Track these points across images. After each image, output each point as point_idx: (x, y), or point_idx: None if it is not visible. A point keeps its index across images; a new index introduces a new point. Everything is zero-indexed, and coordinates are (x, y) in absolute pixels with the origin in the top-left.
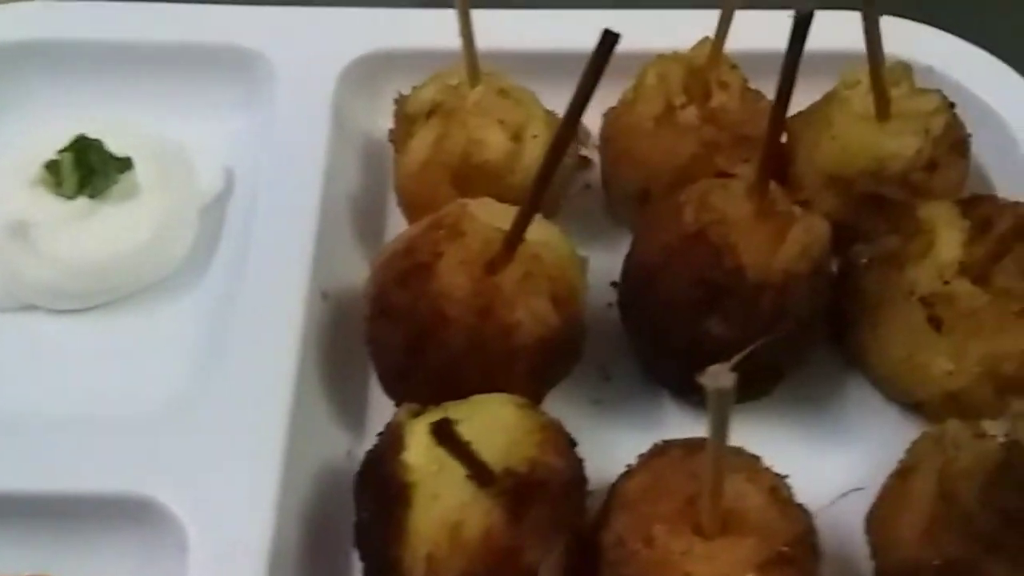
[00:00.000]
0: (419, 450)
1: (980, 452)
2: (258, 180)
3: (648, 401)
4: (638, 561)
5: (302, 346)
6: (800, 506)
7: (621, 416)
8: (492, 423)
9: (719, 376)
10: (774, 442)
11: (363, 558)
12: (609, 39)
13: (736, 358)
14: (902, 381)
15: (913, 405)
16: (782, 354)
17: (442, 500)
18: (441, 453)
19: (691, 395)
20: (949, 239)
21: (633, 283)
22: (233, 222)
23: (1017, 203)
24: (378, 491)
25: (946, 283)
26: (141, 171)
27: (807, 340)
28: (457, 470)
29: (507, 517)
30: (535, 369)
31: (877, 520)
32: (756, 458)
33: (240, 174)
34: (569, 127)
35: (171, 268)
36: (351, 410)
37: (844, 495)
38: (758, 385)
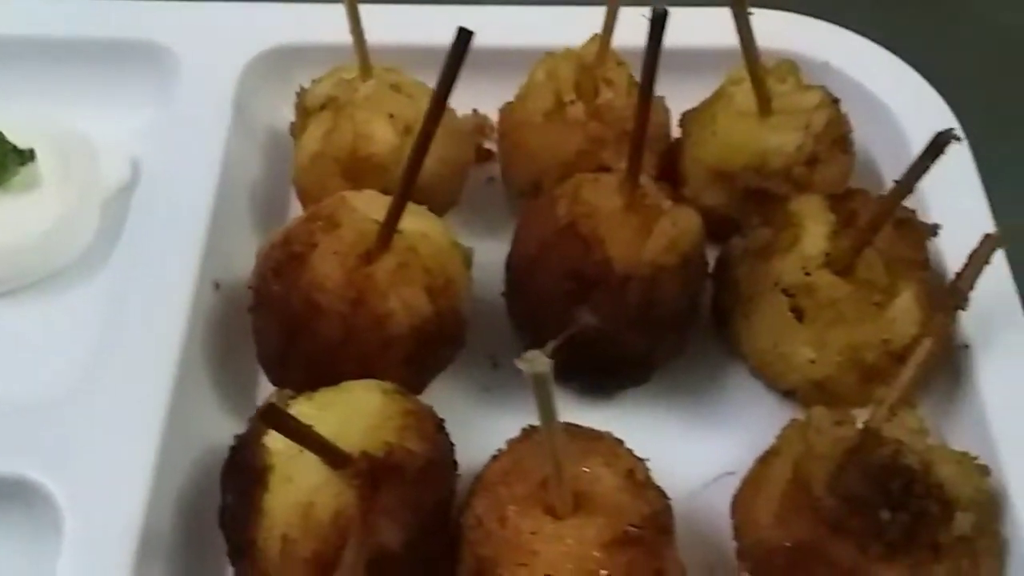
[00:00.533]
0: (280, 435)
1: (836, 438)
2: (160, 172)
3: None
4: (492, 541)
5: (187, 334)
6: (657, 488)
7: (508, 403)
8: (355, 408)
9: (535, 361)
10: (654, 428)
11: (227, 541)
12: (464, 36)
13: (550, 345)
14: (771, 370)
15: (787, 393)
16: (654, 345)
17: (296, 482)
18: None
19: (571, 382)
20: (815, 232)
21: (513, 274)
22: (136, 214)
23: (882, 196)
24: (240, 474)
25: (807, 274)
26: (43, 162)
27: (682, 330)
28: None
29: (358, 497)
30: (410, 357)
31: (739, 503)
32: (618, 442)
33: (146, 167)
34: (431, 122)
35: (72, 258)
36: (240, 397)
37: (716, 479)
38: (631, 373)
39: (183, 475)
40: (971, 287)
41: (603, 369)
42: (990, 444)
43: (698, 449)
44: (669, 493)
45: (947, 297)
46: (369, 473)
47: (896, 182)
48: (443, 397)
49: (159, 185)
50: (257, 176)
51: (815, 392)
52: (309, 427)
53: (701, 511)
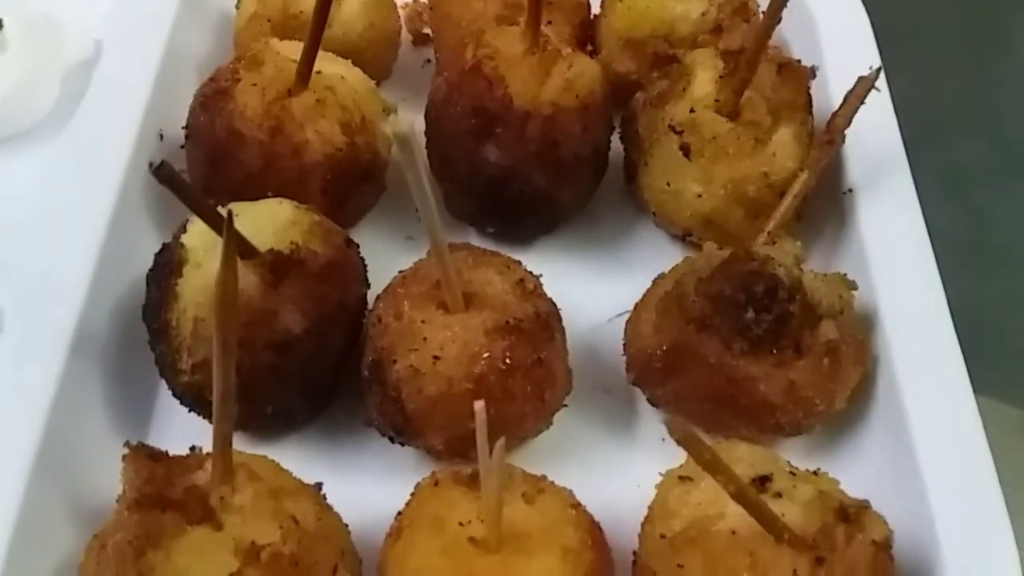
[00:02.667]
0: (195, 232)
1: (712, 257)
2: (117, 50)
3: (453, 236)
4: (389, 333)
5: (128, 173)
6: (546, 298)
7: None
8: (267, 214)
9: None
10: (564, 273)
11: (148, 329)
12: None
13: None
14: (667, 209)
15: (686, 236)
16: (557, 184)
17: (205, 267)
18: (214, 239)
19: (486, 227)
20: (703, 78)
21: (427, 119)
22: (95, 87)
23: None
24: (159, 269)
25: (692, 112)
26: (10, 32)
27: (586, 175)
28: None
29: (262, 284)
30: (327, 187)
31: (629, 323)
32: (516, 261)
33: (106, 47)
34: None
35: (32, 121)
36: (174, 224)
37: (619, 315)
38: (540, 215)
39: (118, 287)
40: (847, 124)
41: (513, 210)
42: (868, 277)
43: (604, 292)
44: (574, 330)
45: (825, 134)
46: (273, 264)
47: (765, 14)
48: (367, 240)
49: (116, 62)
50: (205, 52)
51: (707, 230)
52: (192, 188)
53: (601, 343)
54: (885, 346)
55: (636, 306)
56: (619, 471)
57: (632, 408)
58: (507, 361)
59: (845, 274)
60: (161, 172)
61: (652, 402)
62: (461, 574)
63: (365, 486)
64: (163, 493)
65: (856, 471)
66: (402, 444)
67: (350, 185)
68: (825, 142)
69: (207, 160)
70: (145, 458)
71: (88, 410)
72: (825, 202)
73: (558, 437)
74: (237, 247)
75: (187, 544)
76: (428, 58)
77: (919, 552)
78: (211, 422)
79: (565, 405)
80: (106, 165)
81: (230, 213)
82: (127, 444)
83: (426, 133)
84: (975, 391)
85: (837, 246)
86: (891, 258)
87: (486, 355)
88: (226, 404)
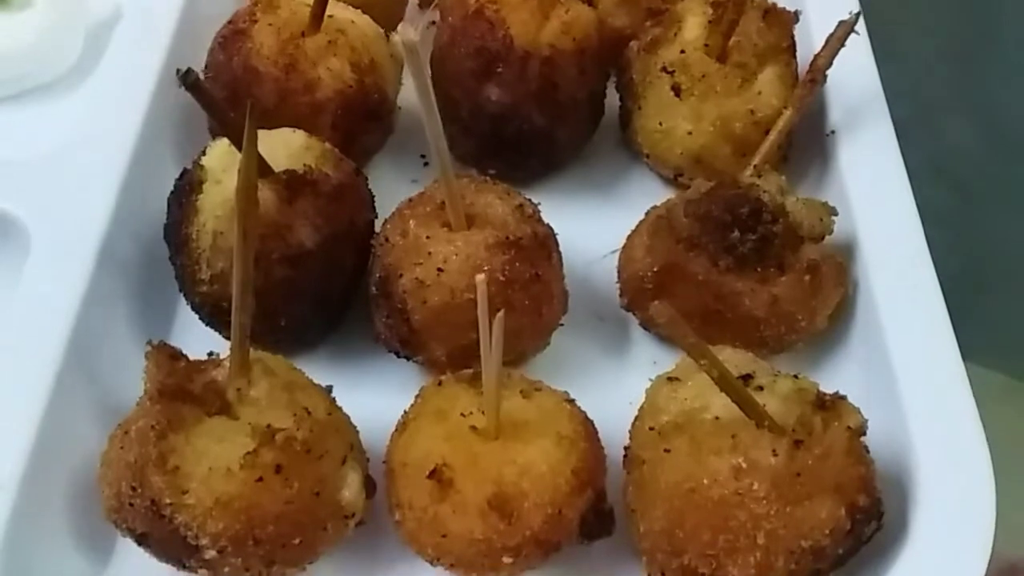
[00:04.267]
0: (213, 155)
1: (702, 187)
2: (139, 9)
3: None
4: (396, 250)
5: (153, 109)
6: (544, 223)
7: None
8: (281, 141)
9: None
10: (563, 213)
11: (168, 245)
12: None
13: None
14: (659, 149)
15: (677, 176)
16: (555, 124)
17: (224, 183)
18: (234, 158)
19: (486, 167)
20: (692, 23)
21: (433, 64)
22: (117, 44)
23: None
24: (180, 190)
25: (683, 53)
26: None
27: (582, 117)
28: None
29: (278, 200)
30: (337, 123)
31: (623, 250)
32: (516, 192)
33: (127, 8)
34: None
35: (56, 74)
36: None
37: (612, 252)
38: (539, 154)
39: (140, 213)
40: (828, 65)
41: (513, 149)
42: (849, 210)
43: (599, 231)
44: (570, 266)
45: (807, 74)
46: (288, 182)
47: None
48: (374, 180)
49: (138, 17)
50: (219, 12)
51: (697, 168)
52: (214, 96)
53: (596, 277)
54: (864, 272)
55: (630, 234)
56: (612, 390)
57: (625, 334)
58: (506, 274)
59: (825, 202)
60: (187, 78)
61: (644, 325)
62: (463, 457)
63: (372, 400)
64: (183, 386)
65: (836, 386)
66: (407, 358)
67: (359, 122)
68: (808, 81)
69: (225, 96)
70: (166, 356)
71: (111, 323)
72: (809, 144)
73: (555, 360)
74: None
75: (206, 430)
76: (434, 20)
77: (895, 458)
78: (226, 336)
79: (561, 324)
80: (129, 107)
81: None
82: (149, 343)
83: (431, 78)
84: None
85: (820, 186)
86: (871, 192)
87: (487, 268)
88: (245, 294)
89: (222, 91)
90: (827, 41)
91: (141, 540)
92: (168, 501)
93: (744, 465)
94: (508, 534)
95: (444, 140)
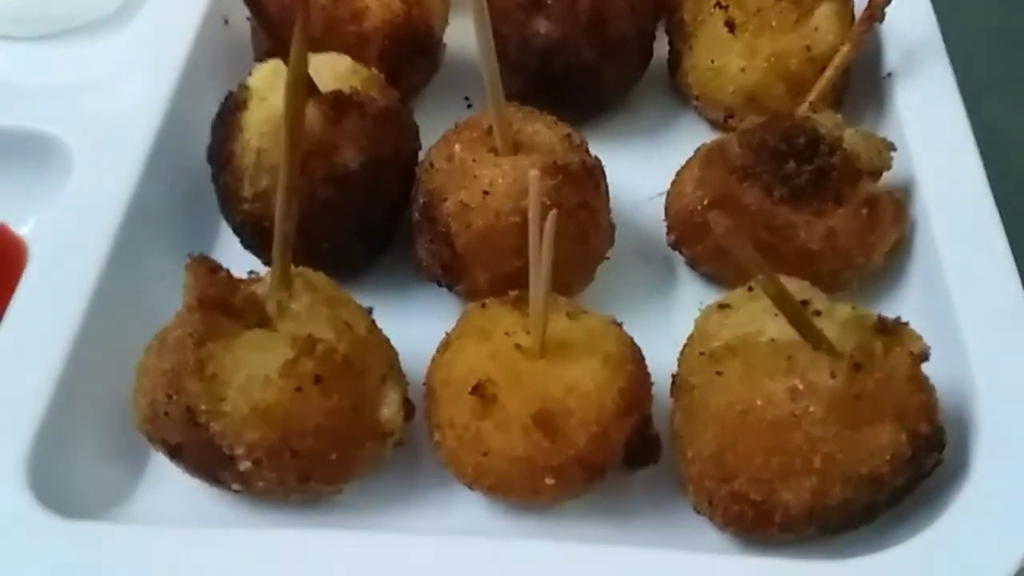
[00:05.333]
0: (260, 75)
1: (755, 121)
2: None
3: None
4: (441, 174)
5: (193, 52)
6: (592, 155)
7: None
8: (328, 64)
9: None
10: (611, 154)
11: (211, 164)
12: None
13: None
14: (711, 88)
15: (727, 119)
16: (604, 60)
17: (270, 101)
18: (279, 78)
19: (533, 106)
20: None
21: None
22: None
23: None
24: (225, 110)
25: None
26: None
27: (631, 55)
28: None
29: (324, 120)
30: (383, 55)
31: (672, 185)
32: (564, 123)
33: None
34: None
35: (100, 14)
36: None
37: (660, 194)
38: (587, 91)
39: (183, 142)
40: (887, 2)
41: (561, 85)
42: (907, 152)
43: (646, 175)
44: (616, 208)
45: (866, 11)
46: (335, 102)
47: None
48: (419, 121)
49: None
50: None
51: (749, 108)
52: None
53: (641, 219)
54: (923, 212)
55: (679, 170)
56: (657, 330)
57: (672, 275)
58: (553, 198)
59: (884, 138)
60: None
61: (691, 264)
62: (507, 374)
63: (412, 330)
64: (223, 297)
65: None
66: (449, 287)
67: (405, 55)
68: (866, 17)
69: (271, 27)
70: (206, 268)
71: (151, 244)
72: (864, 88)
73: (599, 299)
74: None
75: (245, 340)
76: None
77: (957, 399)
78: (266, 261)
79: (607, 259)
80: (175, 42)
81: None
82: (189, 255)
83: None
84: None
85: (876, 128)
86: (929, 132)
87: (552, 214)
88: (289, 201)
89: (267, 23)
90: None
91: (174, 453)
92: (204, 408)
93: (801, 387)
94: (552, 453)
95: (495, 59)
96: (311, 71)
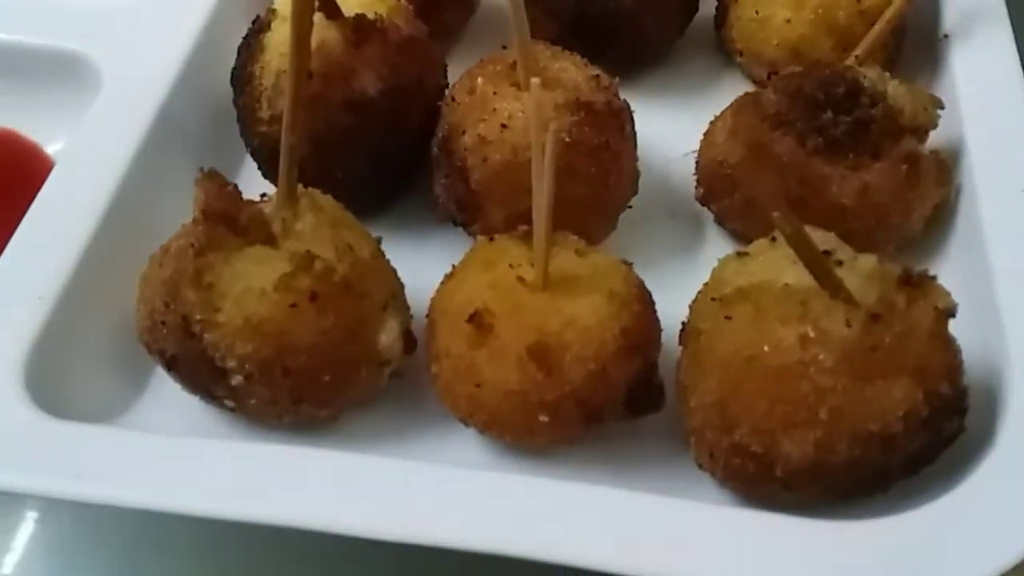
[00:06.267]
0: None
1: (794, 71)
2: None
3: None
4: (461, 108)
5: None
6: (620, 97)
7: None
8: None
9: None
10: (644, 110)
11: (233, 88)
12: None
13: None
14: (755, 41)
15: (771, 76)
16: (644, 7)
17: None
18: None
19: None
20: None
21: None
22: None
23: None
24: (250, 33)
25: None
26: None
27: (672, 7)
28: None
29: (344, 42)
30: None
31: (703, 138)
32: (587, 61)
33: None
34: None
35: None
36: None
37: (693, 152)
38: (624, 39)
39: (209, 73)
40: None
41: (597, 31)
42: (959, 115)
43: (682, 132)
44: (647, 163)
45: None
46: (357, 26)
47: None
48: (452, 66)
49: None
50: None
51: (794, 63)
52: None
53: (672, 175)
54: (969, 178)
55: (712, 120)
56: (679, 286)
57: (699, 232)
58: (573, 135)
59: (932, 93)
60: None
61: (719, 220)
62: (506, 304)
63: (423, 269)
64: (228, 211)
65: None
66: (464, 227)
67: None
68: None
69: None
70: (215, 183)
71: (169, 165)
72: (920, 50)
73: (621, 251)
74: (324, 6)
75: (246, 254)
76: None
77: (988, 375)
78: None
79: (630, 207)
80: None
81: None
82: (201, 169)
83: None
84: None
85: (930, 91)
86: (983, 97)
87: (553, 126)
88: (296, 112)
89: None
90: None
91: (170, 364)
92: (199, 317)
93: (812, 334)
94: (546, 387)
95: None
96: None
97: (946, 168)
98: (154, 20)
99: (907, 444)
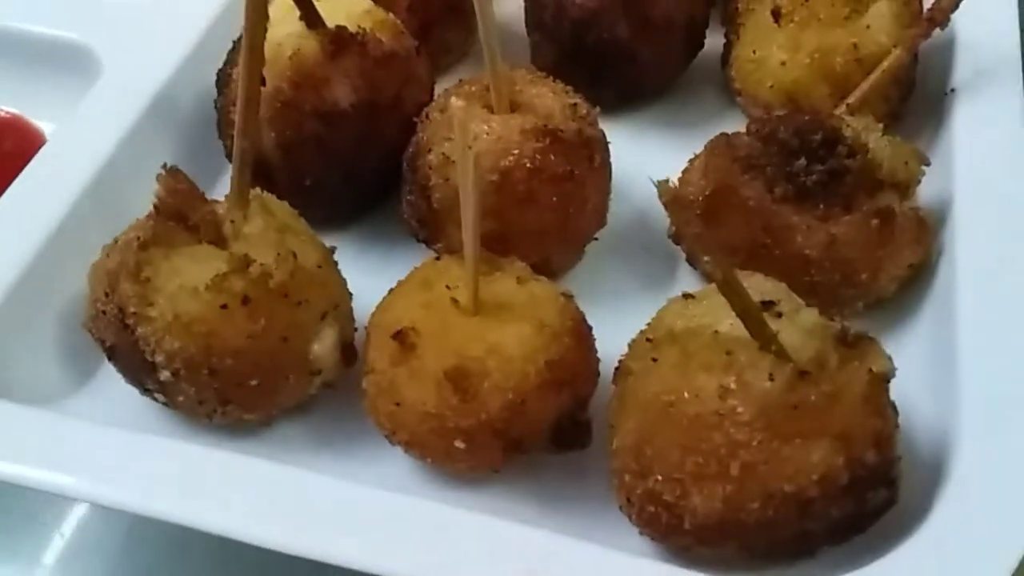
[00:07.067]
0: (275, 5)
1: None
2: None
3: None
4: (431, 126)
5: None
6: (597, 127)
7: None
8: (346, 4)
9: None
10: (638, 142)
11: (216, 91)
12: None
13: None
14: (750, 82)
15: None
16: (639, 38)
17: (273, 28)
18: (292, 13)
19: (565, 81)
20: None
21: None
22: None
23: None
24: (238, 38)
25: None
26: None
27: (672, 42)
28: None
29: (320, 52)
30: (414, 6)
31: (681, 175)
32: (577, 95)
33: None
34: None
35: None
36: None
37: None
38: (621, 72)
39: (208, 72)
40: (954, 6)
41: (594, 61)
42: (951, 173)
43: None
44: (631, 193)
45: (927, 12)
46: (335, 38)
47: None
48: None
49: None
50: None
51: (789, 108)
52: None
53: (652, 209)
54: (951, 243)
55: (691, 158)
56: (634, 322)
57: (669, 270)
58: (536, 163)
59: (917, 148)
60: None
61: (689, 260)
62: (433, 325)
63: (384, 286)
64: (180, 209)
65: (895, 362)
66: (427, 244)
67: (436, 10)
68: (925, 20)
69: None
70: (174, 179)
71: (151, 161)
72: (928, 105)
73: (588, 282)
74: (306, 16)
75: (189, 252)
76: None
77: (938, 452)
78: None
79: (595, 239)
80: None
81: None
82: (164, 166)
83: None
84: None
85: (930, 148)
86: (978, 158)
87: (516, 151)
88: (248, 115)
89: None
90: None
91: (110, 354)
92: (133, 310)
93: (733, 385)
94: (461, 412)
95: (493, 10)
96: (326, 8)
97: (926, 227)
98: (159, 17)
99: (827, 510)
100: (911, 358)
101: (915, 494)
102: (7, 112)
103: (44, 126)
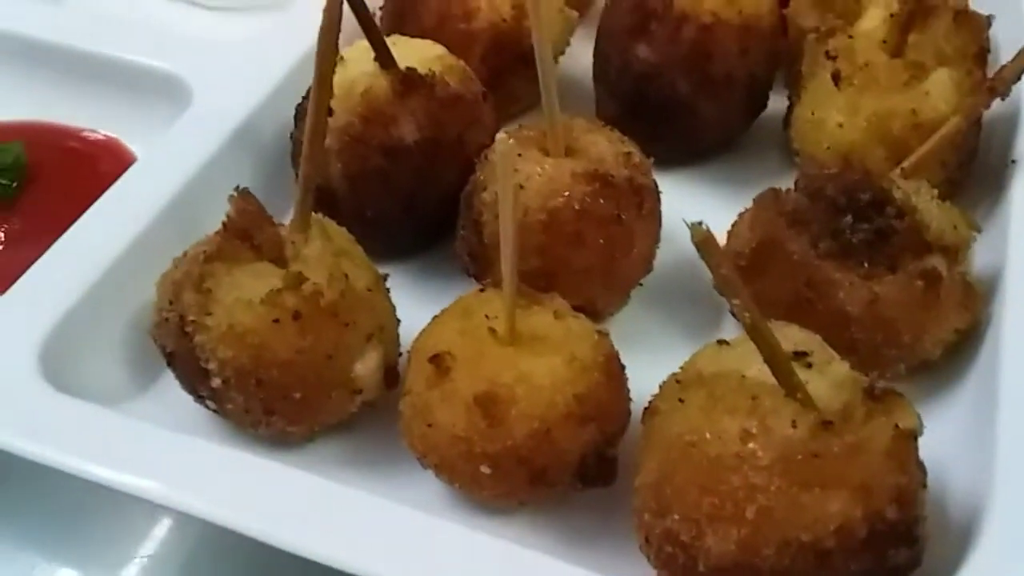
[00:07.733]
0: (354, 47)
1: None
2: None
3: None
4: (488, 166)
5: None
6: (649, 176)
7: None
8: (419, 48)
9: None
10: (695, 198)
11: (295, 124)
12: None
13: None
14: (808, 142)
15: None
16: (701, 94)
17: (347, 67)
18: (368, 52)
19: (626, 134)
20: (873, 14)
21: (600, 22)
22: None
23: None
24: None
25: (850, 38)
26: None
27: (735, 101)
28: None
29: (390, 91)
30: (486, 56)
31: (731, 227)
32: (632, 144)
33: None
34: None
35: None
36: None
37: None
38: (682, 126)
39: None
40: (1016, 78)
41: (656, 115)
42: (1005, 244)
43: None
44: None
45: (987, 81)
46: (406, 78)
47: None
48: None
49: None
50: None
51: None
52: (372, 16)
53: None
54: (1000, 308)
55: (742, 212)
56: (680, 365)
57: (714, 321)
58: (585, 205)
59: (967, 212)
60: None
61: (734, 313)
62: (470, 352)
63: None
64: (247, 228)
65: (935, 427)
66: (477, 279)
67: (507, 61)
68: (986, 88)
69: (392, 15)
70: (245, 202)
71: (230, 184)
72: (989, 174)
73: (631, 328)
74: (379, 57)
75: (250, 268)
76: None
77: (971, 515)
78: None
79: (641, 284)
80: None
81: None
82: (236, 188)
83: (596, 34)
84: None
85: (988, 216)
86: None
87: (566, 193)
88: (315, 144)
89: (391, 12)
90: (1021, 51)
91: (170, 360)
92: (192, 318)
93: (754, 430)
94: (488, 437)
95: (551, 59)
96: (400, 52)
97: (974, 293)
98: (247, 54)
99: (846, 563)
100: (950, 422)
101: (941, 560)
102: (105, 135)
103: (137, 149)
